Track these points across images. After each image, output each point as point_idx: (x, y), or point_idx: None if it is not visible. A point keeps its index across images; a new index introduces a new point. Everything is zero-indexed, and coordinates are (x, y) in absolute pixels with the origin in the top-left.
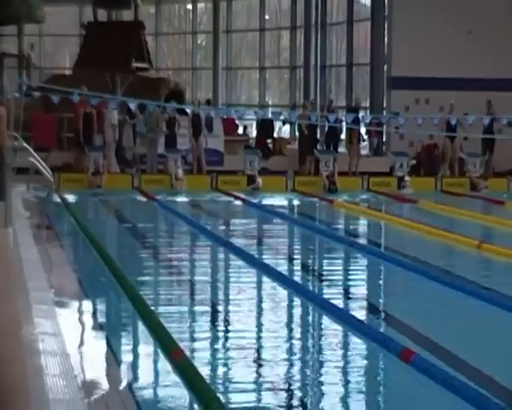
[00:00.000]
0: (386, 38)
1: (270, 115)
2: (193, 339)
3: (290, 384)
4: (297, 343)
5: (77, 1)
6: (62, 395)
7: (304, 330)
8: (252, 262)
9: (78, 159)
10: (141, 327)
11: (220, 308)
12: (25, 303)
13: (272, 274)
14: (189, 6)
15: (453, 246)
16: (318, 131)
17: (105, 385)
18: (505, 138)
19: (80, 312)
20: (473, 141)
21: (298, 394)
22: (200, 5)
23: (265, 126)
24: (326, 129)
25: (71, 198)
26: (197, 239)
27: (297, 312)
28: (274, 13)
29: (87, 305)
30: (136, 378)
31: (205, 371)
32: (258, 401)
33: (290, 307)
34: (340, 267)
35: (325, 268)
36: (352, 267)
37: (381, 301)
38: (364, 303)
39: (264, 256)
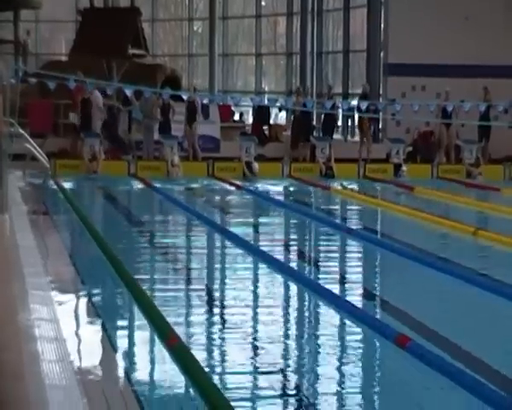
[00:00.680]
0: (382, 25)
1: (266, 102)
2: (189, 325)
3: (286, 369)
4: (293, 329)
5: None
6: (58, 381)
7: (300, 315)
8: (248, 249)
9: (74, 145)
10: (137, 313)
11: (217, 294)
12: (21, 289)
13: (268, 260)
14: None
15: (449, 232)
16: (314, 118)
17: (101, 371)
18: (501, 125)
19: (76, 298)
20: (469, 128)
21: (293, 379)
22: None
23: (262, 113)
24: (323, 116)
25: (67, 184)
26: (194, 226)
27: (293, 298)
28: None
29: (83, 291)
30: (132, 364)
31: (201, 356)
32: (255, 384)
33: (286, 293)
34: (337, 254)
35: (321, 254)
36: (348, 254)
37: (377, 287)
38: (360, 289)
39: (260, 243)
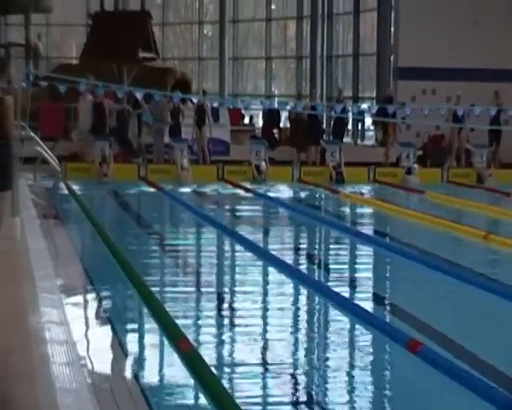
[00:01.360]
0: (392, 29)
1: (276, 105)
2: (200, 329)
3: (296, 374)
4: (303, 333)
5: None
6: (69, 384)
7: (310, 320)
8: (259, 252)
9: (86, 148)
10: (147, 316)
11: (227, 298)
12: (31, 293)
13: (279, 264)
14: None
15: (460, 237)
16: (324, 121)
17: (111, 374)
18: None
19: (87, 301)
20: (479, 132)
21: (304, 384)
22: None
23: (272, 116)
24: (333, 119)
25: (78, 188)
26: (204, 229)
27: (303, 302)
28: (280, 2)
29: (93, 294)
30: (142, 367)
31: (212, 360)
32: (265, 390)
33: (297, 297)
34: (347, 258)
35: (332, 259)
36: (358, 258)
37: (387, 291)
38: (371, 294)
39: (271, 247)
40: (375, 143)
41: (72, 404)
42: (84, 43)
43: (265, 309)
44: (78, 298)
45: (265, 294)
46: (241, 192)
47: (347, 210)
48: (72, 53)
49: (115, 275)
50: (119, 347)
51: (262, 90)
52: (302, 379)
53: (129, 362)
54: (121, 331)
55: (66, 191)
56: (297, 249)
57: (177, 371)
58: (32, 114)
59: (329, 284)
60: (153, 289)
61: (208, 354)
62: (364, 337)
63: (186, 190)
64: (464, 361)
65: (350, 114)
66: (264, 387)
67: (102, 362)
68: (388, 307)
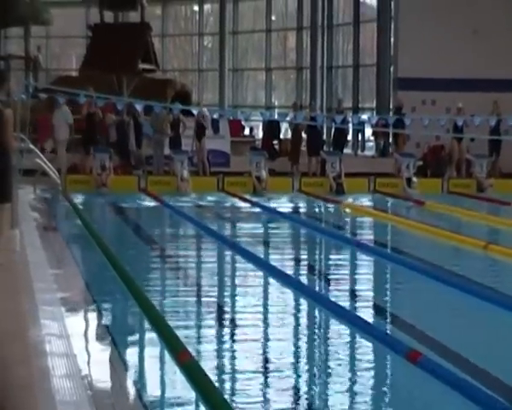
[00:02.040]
0: (392, 39)
1: (276, 116)
2: (200, 341)
3: (297, 386)
4: (304, 345)
5: (83, 3)
6: (69, 397)
7: (310, 331)
8: (259, 264)
9: (83, 160)
10: (147, 329)
11: (227, 310)
12: (31, 305)
13: (279, 276)
14: (196, 7)
15: (460, 247)
16: (324, 132)
17: (112, 387)
18: None
19: (87, 313)
20: (479, 142)
21: (304, 396)
22: (207, 6)
23: (272, 128)
24: (333, 130)
25: (77, 200)
26: (204, 241)
27: (304, 313)
28: (280, 14)
29: (93, 306)
30: (142, 380)
31: (212, 372)
32: (266, 402)
33: (297, 308)
34: (348, 269)
35: (332, 270)
36: (359, 269)
37: (388, 302)
38: (371, 305)
39: (271, 258)
40: (375, 153)
41: None
42: (83, 55)
43: (266, 320)
44: (79, 310)
45: (266, 305)
46: (241, 203)
47: (347, 221)
48: (71, 65)
49: (115, 287)
50: (119, 359)
51: (262, 101)
52: (302, 390)
53: (129, 375)
54: (121, 344)
55: (66, 203)
56: (297, 260)
57: (177, 384)
58: (32, 126)
59: (329, 294)
60: (153, 300)
61: (208, 366)
62: (364, 348)
63: (186, 201)
64: (464, 371)
65: (350, 125)
66: (265, 398)
67: (103, 375)
68: (388, 318)
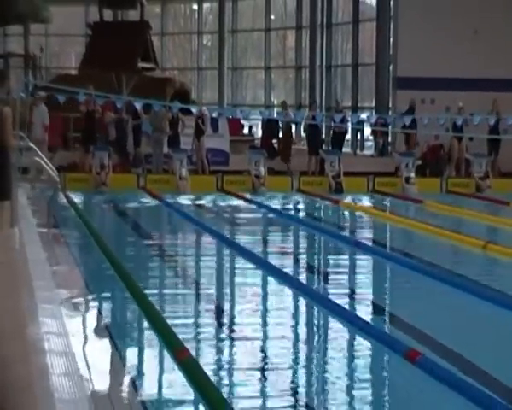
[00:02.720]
0: (391, 39)
1: (275, 115)
2: (199, 339)
3: (296, 386)
4: (302, 344)
5: (83, 1)
6: (68, 395)
7: (309, 330)
8: (258, 263)
9: (83, 158)
10: (146, 327)
11: (226, 308)
12: (30, 303)
13: (278, 275)
14: (195, 6)
15: (459, 246)
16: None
17: (110, 385)
18: (511, 139)
19: (86, 311)
20: (478, 142)
21: (303, 396)
22: (206, 5)
23: (271, 127)
24: (332, 129)
25: (76, 198)
26: (203, 239)
27: (302, 312)
28: (279, 13)
29: (92, 304)
30: (141, 378)
31: (210, 370)
32: (264, 402)
33: (296, 307)
34: (346, 268)
35: (331, 269)
36: (357, 268)
37: (386, 301)
38: (370, 304)
39: (270, 257)
40: (374, 152)
41: None
42: (83, 53)
43: (264, 319)
44: (77, 308)
45: (264, 304)
46: (240, 202)
47: (346, 220)
48: (71, 63)
49: (114, 285)
50: (118, 357)
51: (261, 100)
52: (300, 389)
53: (128, 373)
54: (120, 342)
55: (65, 201)
56: (296, 259)
57: (176, 382)
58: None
59: (328, 293)
60: (152, 298)
61: (207, 363)
62: (363, 347)
63: (185, 199)
64: (463, 371)
65: (349, 124)
66: (263, 396)
67: (102, 373)
68: (387, 317)
